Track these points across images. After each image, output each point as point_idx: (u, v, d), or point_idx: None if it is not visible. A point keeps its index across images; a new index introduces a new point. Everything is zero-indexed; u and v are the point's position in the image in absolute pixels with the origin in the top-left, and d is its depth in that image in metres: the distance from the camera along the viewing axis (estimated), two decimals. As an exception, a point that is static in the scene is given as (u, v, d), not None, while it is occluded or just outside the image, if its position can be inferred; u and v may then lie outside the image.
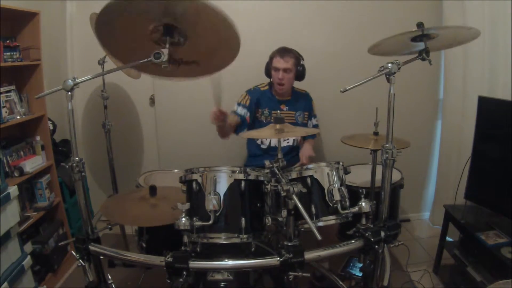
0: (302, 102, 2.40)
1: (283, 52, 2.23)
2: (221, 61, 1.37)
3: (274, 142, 2.34)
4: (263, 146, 2.37)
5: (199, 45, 1.29)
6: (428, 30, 1.32)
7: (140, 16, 1.16)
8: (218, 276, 1.38)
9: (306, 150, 2.19)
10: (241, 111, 2.28)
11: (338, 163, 1.45)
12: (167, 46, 1.20)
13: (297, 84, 2.44)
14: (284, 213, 1.26)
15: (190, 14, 1.17)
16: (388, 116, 1.33)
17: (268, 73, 2.34)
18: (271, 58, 2.27)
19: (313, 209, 1.38)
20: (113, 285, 1.41)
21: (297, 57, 2.25)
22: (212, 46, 1.30)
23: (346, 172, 1.47)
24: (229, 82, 2.43)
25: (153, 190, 1.61)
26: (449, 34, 1.48)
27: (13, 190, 1.80)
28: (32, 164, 2.16)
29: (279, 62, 2.21)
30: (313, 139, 2.44)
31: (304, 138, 2.45)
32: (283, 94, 2.36)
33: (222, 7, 1.09)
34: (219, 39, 1.26)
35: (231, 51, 1.30)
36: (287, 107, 2.36)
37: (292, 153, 2.36)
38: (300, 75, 2.28)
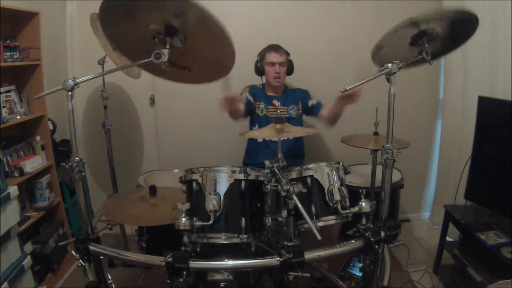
0: (293, 96, 2.42)
1: (276, 47, 2.30)
2: (211, 75, 1.42)
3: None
4: (259, 140, 2.38)
5: (195, 54, 1.30)
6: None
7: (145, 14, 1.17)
8: (218, 276, 1.38)
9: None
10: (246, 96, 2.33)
11: (338, 163, 1.46)
12: (167, 46, 1.20)
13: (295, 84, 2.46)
14: (284, 213, 1.26)
15: (195, 22, 1.18)
16: (388, 116, 1.33)
17: (259, 71, 2.36)
18: (263, 55, 2.32)
19: (313, 209, 1.39)
20: (113, 285, 1.41)
21: (287, 52, 2.34)
22: (207, 59, 1.32)
23: (346, 172, 1.47)
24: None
25: (153, 190, 1.61)
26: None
27: (13, 190, 1.80)
28: (32, 164, 2.16)
29: (274, 57, 2.27)
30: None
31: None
32: (276, 90, 2.39)
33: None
34: (215, 55, 1.28)
35: (223, 69, 1.33)
36: (278, 103, 2.38)
37: (289, 147, 2.36)
38: (291, 69, 2.37)
